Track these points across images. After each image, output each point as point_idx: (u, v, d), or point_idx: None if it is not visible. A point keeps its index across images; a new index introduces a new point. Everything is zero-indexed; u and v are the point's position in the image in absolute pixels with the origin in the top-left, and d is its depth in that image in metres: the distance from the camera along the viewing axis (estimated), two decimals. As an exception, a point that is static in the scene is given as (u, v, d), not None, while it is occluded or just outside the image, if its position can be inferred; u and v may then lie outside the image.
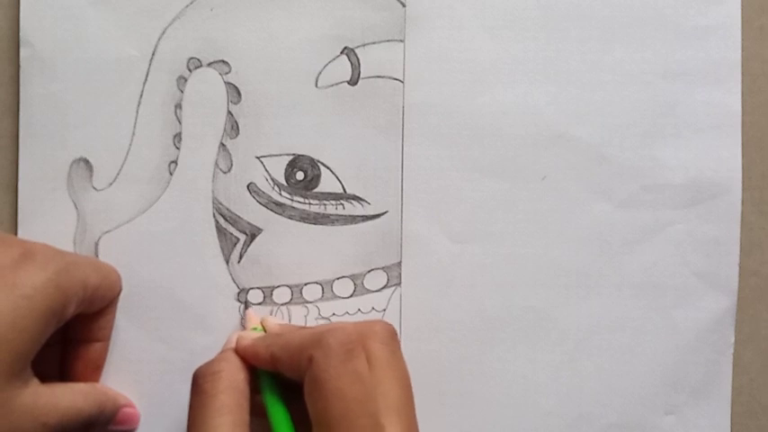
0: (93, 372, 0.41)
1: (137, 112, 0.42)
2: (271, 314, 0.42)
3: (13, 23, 0.42)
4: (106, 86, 0.41)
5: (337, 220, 0.42)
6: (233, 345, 0.39)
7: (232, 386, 0.36)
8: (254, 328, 0.40)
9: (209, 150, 0.42)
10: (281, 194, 0.42)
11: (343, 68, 0.42)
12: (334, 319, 0.42)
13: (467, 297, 0.42)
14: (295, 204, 0.42)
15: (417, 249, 0.42)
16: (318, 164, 0.42)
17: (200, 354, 0.42)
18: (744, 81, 0.42)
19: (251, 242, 0.42)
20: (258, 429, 0.37)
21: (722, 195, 0.42)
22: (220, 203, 0.42)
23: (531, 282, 0.42)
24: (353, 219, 0.42)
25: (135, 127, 0.42)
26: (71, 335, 0.40)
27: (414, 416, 0.35)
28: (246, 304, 0.42)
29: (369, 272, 0.42)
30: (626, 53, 0.42)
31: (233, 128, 0.42)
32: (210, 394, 0.36)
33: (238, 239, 0.42)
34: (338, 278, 0.42)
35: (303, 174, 0.42)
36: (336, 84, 0.42)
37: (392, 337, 0.37)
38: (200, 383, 0.37)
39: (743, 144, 0.42)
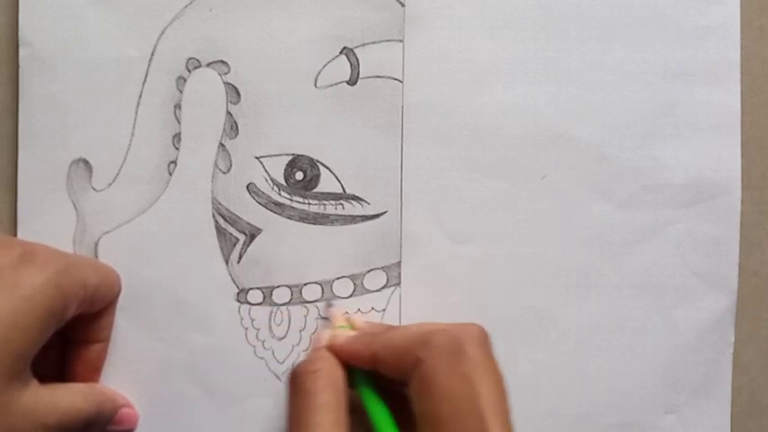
0: (93, 372, 0.41)
1: (136, 112, 0.42)
2: (270, 315, 0.42)
3: (13, 23, 0.42)
4: (105, 87, 0.41)
5: (337, 220, 0.42)
6: (323, 343, 0.39)
7: (332, 384, 0.36)
8: (342, 326, 0.40)
9: (208, 150, 0.42)
10: (280, 194, 0.42)
11: (343, 68, 0.42)
12: (333, 319, 0.42)
13: (466, 297, 0.42)
14: (294, 204, 0.42)
15: (417, 249, 0.42)
16: (318, 164, 0.42)
17: (199, 354, 0.42)
18: (743, 81, 0.42)
19: (250, 242, 0.42)
20: (352, 427, 0.37)
21: (722, 195, 0.42)
22: (220, 204, 0.42)
23: (531, 282, 0.42)
24: (353, 219, 0.42)
25: (134, 127, 0.42)
26: (71, 336, 0.40)
27: (509, 419, 0.36)
28: (329, 303, 0.42)
29: (368, 272, 0.42)
30: (626, 53, 0.42)
31: (232, 128, 0.42)
32: (312, 392, 0.36)
33: (238, 240, 0.42)
34: (338, 278, 0.42)
35: (302, 174, 0.42)
36: (336, 84, 0.42)
37: (487, 340, 0.37)
38: (300, 382, 0.37)
39: (743, 144, 0.42)
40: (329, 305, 0.42)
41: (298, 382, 0.37)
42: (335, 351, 0.38)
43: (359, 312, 0.42)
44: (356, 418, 0.37)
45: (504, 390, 0.36)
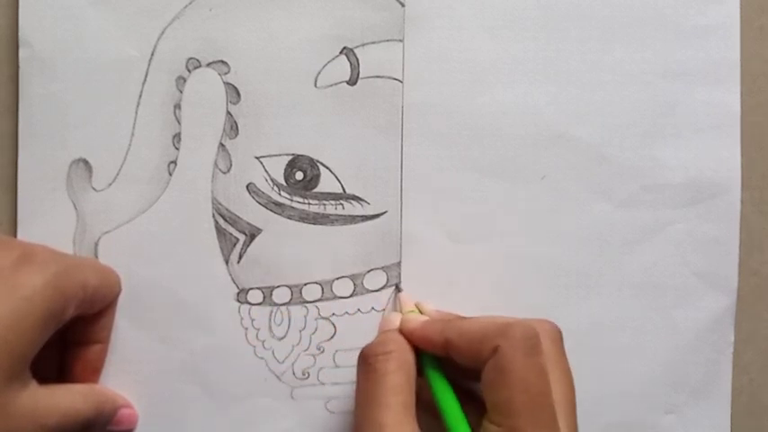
0: (92, 373, 0.41)
1: (136, 112, 0.42)
2: (270, 315, 0.42)
3: (13, 24, 0.42)
4: (105, 87, 0.41)
5: (337, 220, 0.42)
6: (394, 326, 0.39)
7: (403, 367, 0.37)
8: (411, 311, 0.40)
9: (208, 151, 0.42)
10: (280, 194, 0.42)
11: (343, 68, 0.42)
12: (333, 319, 0.42)
13: (466, 297, 0.42)
14: (294, 204, 0.42)
15: (417, 249, 0.42)
16: (318, 164, 0.42)
17: (199, 354, 0.42)
18: (743, 81, 0.42)
19: (250, 242, 0.42)
20: (424, 411, 0.37)
21: (722, 195, 0.42)
22: (220, 204, 0.42)
23: (531, 282, 0.42)
24: (353, 219, 0.42)
25: (134, 127, 0.42)
26: (70, 336, 0.40)
27: (576, 416, 0.36)
28: (398, 288, 0.42)
29: (368, 272, 0.42)
30: (626, 53, 0.42)
31: (232, 128, 0.42)
32: (382, 373, 0.36)
33: (238, 240, 0.42)
34: (338, 278, 0.42)
35: (302, 174, 0.42)
36: (336, 84, 0.42)
37: (560, 337, 0.38)
38: (371, 362, 0.37)
39: (742, 144, 0.42)
40: (398, 290, 0.42)
41: (369, 362, 0.37)
42: (407, 335, 0.38)
43: (359, 313, 0.42)
44: (423, 403, 0.37)
45: (574, 389, 0.36)
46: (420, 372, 0.38)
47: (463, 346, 0.36)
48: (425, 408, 0.37)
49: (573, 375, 0.37)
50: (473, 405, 0.36)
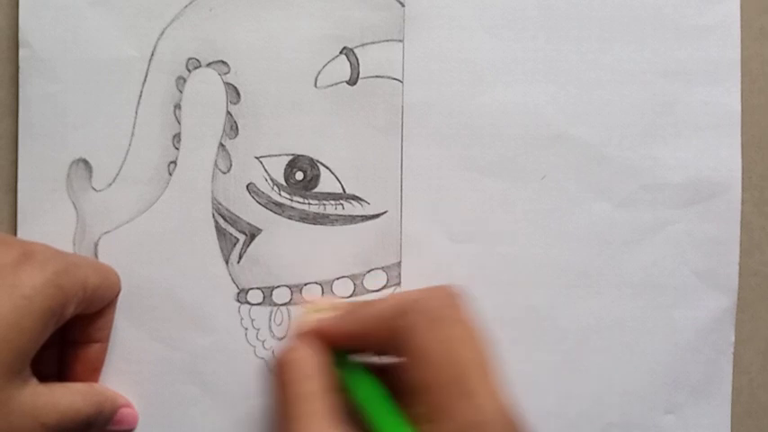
0: (92, 373, 0.41)
1: (136, 112, 0.42)
2: (270, 315, 0.42)
3: (13, 24, 0.42)
4: (105, 87, 0.41)
5: (337, 220, 0.42)
6: (304, 329, 0.38)
7: (314, 371, 0.36)
8: (319, 309, 0.40)
9: (208, 151, 0.42)
10: (280, 195, 0.42)
11: (343, 68, 0.42)
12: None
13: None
14: (294, 204, 0.42)
15: (417, 249, 0.42)
16: (318, 164, 0.42)
17: (199, 354, 0.42)
18: (743, 81, 0.42)
19: (250, 242, 0.42)
20: (348, 409, 0.36)
21: (722, 195, 0.42)
22: (220, 204, 0.42)
23: (531, 281, 0.42)
24: (353, 219, 0.42)
25: (134, 127, 0.42)
26: (70, 336, 0.40)
27: (496, 375, 0.35)
28: (301, 290, 0.42)
29: (368, 272, 0.42)
30: (625, 52, 0.42)
31: (232, 128, 0.42)
32: (295, 382, 0.36)
33: (238, 240, 0.42)
34: (338, 278, 0.42)
35: (302, 174, 0.42)
36: (335, 84, 0.42)
37: (460, 299, 0.36)
38: (281, 374, 0.36)
39: (743, 144, 0.42)
40: (303, 291, 0.42)
41: (279, 375, 0.36)
42: (317, 335, 0.38)
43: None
44: (350, 399, 0.37)
45: (486, 345, 0.35)
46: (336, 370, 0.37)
47: (367, 334, 0.36)
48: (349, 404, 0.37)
49: (488, 342, 0.36)
50: (396, 389, 0.36)
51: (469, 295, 0.37)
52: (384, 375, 0.36)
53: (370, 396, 0.36)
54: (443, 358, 0.34)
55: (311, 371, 0.36)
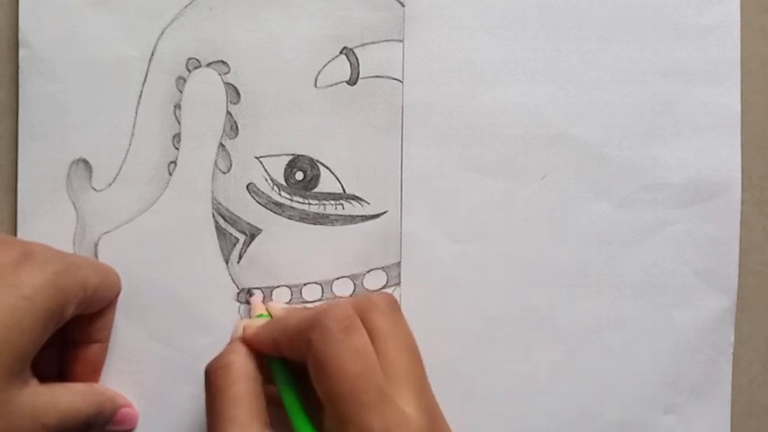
0: (93, 373, 0.41)
1: (136, 112, 0.42)
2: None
3: (13, 24, 0.42)
4: (105, 87, 0.41)
5: (337, 220, 0.42)
6: (240, 334, 0.38)
7: (244, 376, 0.36)
8: (261, 315, 0.40)
9: (208, 151, 0.42)
10: (280, 195, 0.42)
11: (343, 68, 0.42)
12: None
13: (466, 297, 0.42)
14: (294, 204, 0.42)
15: (417, 249, 0.42)
16: (318, 164, 0.42)
17: (199, 354, 0.42)
18: (743, 81, 0.42)
19: (250, 242, 0.42)
20: (279, 417, 0.36)
21: (721, 195, 0.42)
22: (220, 204, 0.42)
23: (531, 281, 0.42)
24: (353, 219, 0.42)
25: (134, 127, 0.42)
26: (70, 336, 0.40)
27: (424, 382, 0.35)
28: (250, 292, 0.42)
29: (368, 272, 0.42)
30: (625, 52, 0.42)
31: (232, 128, 0.42)
32: (222, 387, 0.36)
33: (238, 240, 0.42)
34: (338, 278, 0.42)
35: (302, 174, 0.42)
36: (335, 84, 0.42)
37: (392, 306, 0.36)
38: (211, 379, 0.36)
39: (743, 144, 0.42)
40: (250, 294, 0.42)
41: (209, 380, 0.36)
42: (246, 342, 0.38)
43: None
44: (281, 408, 0.37)
45: (415, 354, 0.35)
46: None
47: (286, 344, 0.36)
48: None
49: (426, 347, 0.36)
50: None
51: (395, 301, 0.37)
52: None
53: (290, 404, 0.36)
54: (355, 369, 0.33)
55: (240, 375, 0.36)
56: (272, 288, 0.42)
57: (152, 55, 0.42)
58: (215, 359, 0.37)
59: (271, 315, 0.40)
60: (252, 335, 0.38)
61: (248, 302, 0.42)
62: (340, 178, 0.42)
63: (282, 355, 0.37)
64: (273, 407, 0.36)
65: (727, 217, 0.42)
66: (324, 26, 0.42)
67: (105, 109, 0.42)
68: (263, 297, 0.42)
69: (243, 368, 0.36)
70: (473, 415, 0.42)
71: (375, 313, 0.35)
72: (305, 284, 0.42)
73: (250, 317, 0.41)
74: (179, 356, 0.42)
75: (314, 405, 0.36)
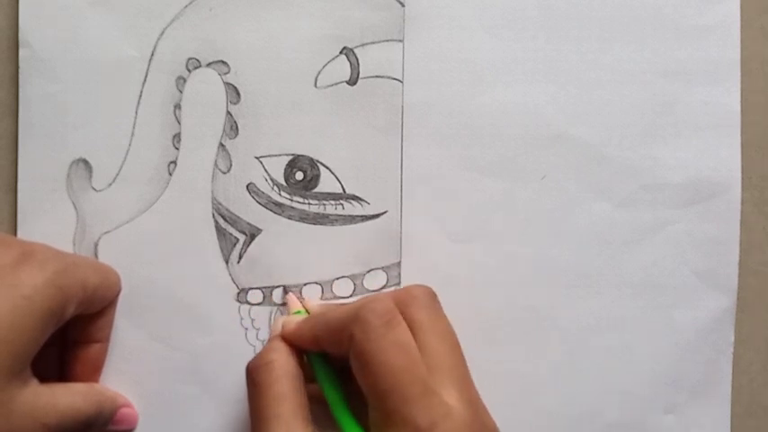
0: (93, 373, 0.41)
1: (136, 112, 0.42)
2: (270, 315, 0.42)
3: (13, 24, 0.42)
4: (105, 87, 0.41)
5: (337, 220, 0.42)
6: (279, 332, 0.39)
7: (286, 374, 0.36)
8: (298, 312, 0.40)
9: (208, 151, 0.42)
10: (280, 195, 0.42)
11: (343, 68, 0.42)
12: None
13: (466, 297, 0.42)
14: (294, 204, 0.42)
15: (417, 249, 0.42)
16: (318, 164, 0.42)
17: (199, 354, 0.42)
18: (743, 81, 0.42)
19: (250, 242, 0.42)
20: (320, 413, 0.37)
21: (721, 195, 0.42)
22: (220, 204, 0.42)
23: (531, 281, 0.42)
24: (353, 219, 0.42)
25: (134, 127, 0.42)
26: (70, 336, 0.40)
27: (466, 373, 0.35)
28: (285, 289, 0.42)
29: (368, 272, 0.42)
30: (625, 52, 0.42)
31: (232, 128, 0.42)
32: (265, 385, 0.36)
33: (238, 240, 0.42)
34: (338, 278, 0.42)
35: (302, 174, 0.42)
36: (335, 84, 0.42)
37: (431, 299, 0.37)
38: (253, 377, 0.36)
39: (742, 144, 0.42)
40: (286, 291, 0.42)
41: (251, 377, 0.37)
42: (286, 338, 0.38)
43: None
44: (323, 404, 0.37)
45: (456, 347, 0.35)
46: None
47: (328, 339, 0.36)
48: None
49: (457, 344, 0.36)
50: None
51: (434, 293, 0.37)
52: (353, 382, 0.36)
53: (333, 399, 0.36)
54: (398, 363, 0.33)
55: (282, 372, 0.36)
56: (272, 288, 0.42)
57: (152, 55, 0.42)
58: (256, 357, 0.37)
59: (307, 311, 0.40)
60: (292, 331, 0.38)
61: (248, 302, 0.42)
62: (340, 178, 0.42)
63: (324, 350, 0.37)
64: (313, 403, 0.37)
65: (727, 217, 0.42)
66: (324, 26, 0.42)
67: (105, 109, 0.42)
68: (299, 293, 0.42)
69: (285, 365, 0.37)
70: (473, 415, 0.42)
71: (415, 306, 0.36)
72: (305, 284, 0.42)
73: (288, 313, 0.41)
74: (179, 356, 0.42)
75: (354, 399, 0.36)
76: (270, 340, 0.39)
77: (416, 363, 0.34)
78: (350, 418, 0.36)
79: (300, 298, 0.41)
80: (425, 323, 0.35)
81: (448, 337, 0.36)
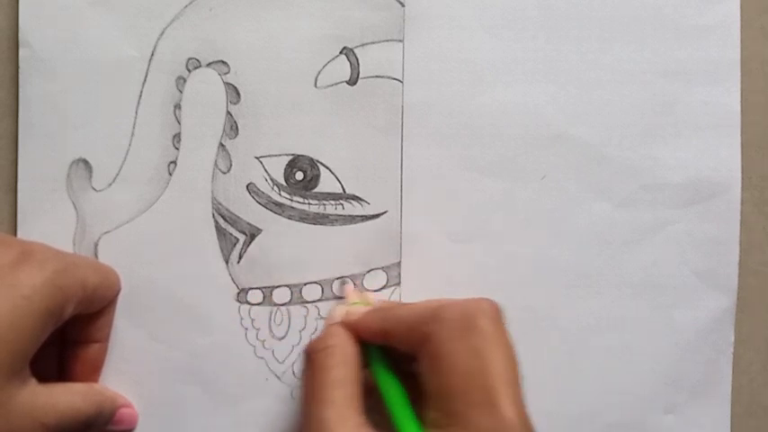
0: (92, 373, 0.41)
1: (136, 112, 0.42)
2: (270, 315, 0.42)
3: (13, 24, 0.42)
4: (105, 87, 0.41)
5: (337, 220, 0.42)
6: (337, 320, 0.39)
7: (344, 360, 0.36)
8: (355, 303, 0.40)
9: (208, 151, 0.42)
10: (280, 195, 0.42)
11: (343, 68, 0.42)
12: (333, 319, 0.42)
13: (466, 297, 0.42)
14: (294, 204, 0.42)
15: (417, 249, 0.42)
16: (318, 164, 0.42)
17: (199, 354, 0.42)
18: (743, 81, 0.42)
19: (250, 242, 0.42)
20: (371, 403, 0.37)
21: (721, 195, 0.42)
22: (220, 204, 0.42)
23: (531, 281, 0.42)
24: (353, 219, 0.42)
25: (134, 127, 0.42)
26: (70, 335, 0.40)
27: (521, 390, 0.36)
28: (344, 281, 0.42)
29: (368, 272, 0.42)
30: (625, 52, 0.42)
31: (232, 128, 0.42)
32: (325, 368, 0.36)
33: (238, 240, 0.42)
34: (338, 278, 0.42)
35: (302, 174, 0.42)
36: (335, 84, 0.42)
37: (498, 313, 0.37)
38: (313, 358, 0.37)
39: (742, 144, 0.42)
40: (344, 282, 0.42)
41: (311, 358, 0.37)
42: (349, 327, 0.38)
43: (359, 312, 0.42)
44: (373, 394, 0.37)
45: (516, 363, 0.36)
46: (368, 363, 0.38)
47: (400, 334, 0.36)
48: (378, 398, 0.37)
49: (519, 353, 0.36)
50: (419, 391, 0.36)
51: (500, 308, 0.37)
52: (408, 379, 0.37)
53: (392, 393, 0.36)
54: (470, 367, 0.34)
55: (342, 359, 0.36)
56: (272, 288, 0.42)
57: (152, 55, 0.42)
58: (316, 341, 0.37)
59: (367, 304, 0.40)
60: (358, 320, 0.38)
61: (248, 302, 0.42)
62: (340, 178, 0.42)
63: (389, 344, 0.37)
64: (366, 393, 0.37)
65: (727, 217, 0.42)
66: (324, 26, 0.42)
67: (105, 109, 0.42)
68: (355, 285, 0.42)
69: (344, 352, 0.37)
70: (473, 415, 0.42)
71: (485, 318, 0.36)
72: (305, 284, 0.42)
73: (345, 304, 0.41)
74: (179, 356, 0.42)
75: (409, 393, 0.36)
76: (328, 326, 0.39)
77: (486, 371, 0.34)
78: (410, 413, 0.36)
79: (358, 291, 0.41)
80: (491, 335, 0.36)
81: (511, 353, 0.36)
